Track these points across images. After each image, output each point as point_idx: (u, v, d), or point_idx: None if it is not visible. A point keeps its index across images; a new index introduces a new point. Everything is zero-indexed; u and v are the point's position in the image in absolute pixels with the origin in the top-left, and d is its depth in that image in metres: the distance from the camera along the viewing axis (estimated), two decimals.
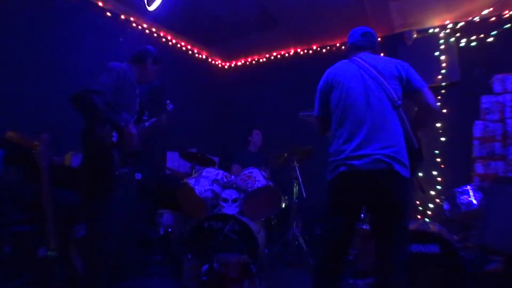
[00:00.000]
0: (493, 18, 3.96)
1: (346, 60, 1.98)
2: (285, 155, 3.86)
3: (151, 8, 3.79)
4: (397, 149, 1.69)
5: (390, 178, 1.65)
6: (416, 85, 1.81)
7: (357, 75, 1.85)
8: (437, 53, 4.17)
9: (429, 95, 1.80)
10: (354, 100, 1.79)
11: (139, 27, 4.41)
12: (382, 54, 1.96)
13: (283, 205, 3.79)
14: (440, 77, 4.12)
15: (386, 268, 1.69)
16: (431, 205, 4.05)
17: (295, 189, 3.79)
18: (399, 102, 1.78)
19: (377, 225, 1.76)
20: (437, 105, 1.82)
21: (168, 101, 2.78)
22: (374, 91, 1.78)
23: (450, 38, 4.16)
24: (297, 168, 3.78)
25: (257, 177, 3.22)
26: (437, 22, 4.25)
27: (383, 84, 1.78)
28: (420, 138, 1.91)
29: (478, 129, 3.62)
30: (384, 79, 1.79)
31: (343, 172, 1.71)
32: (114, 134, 2.06)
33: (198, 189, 3.05)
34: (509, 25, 3.86)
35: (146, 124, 2.51)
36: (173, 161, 4.40)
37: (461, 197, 2.80)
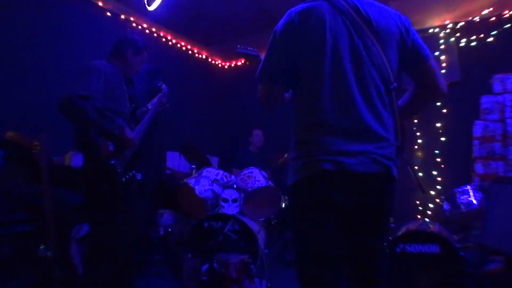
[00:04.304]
0: (493, 18, 3.96)
1: (323, 1, 1.25)
2: (285, 155, 3.85)
3: (151, 8, 3.79)
4: (393, 148, 1.25)
5: (386, 183, 1.23)
6: (425, 52, 1.30)
7: (343, 31, 1.21)
8: (437, 53, 4.17)
9: (437, 67, 1.33)
10: (342, 73, 1.19)
11: (139, 27, 4.41)
12: None
13: (283, 205, 3.79)
14: None
15: None
16: (431, 205, 4.05)
17: None
18: (395, 84, 1.25)
19: (357, 244, 1.25)
20: (445, 82, 1.36)
21: (160, 83, 2.59)
22: (366, 63, 1.20)
23: (450, 38, 4.16)
24: None
25: (257, 177, 3.22)
26: (437, 22, 4.24)
27: (379, 54, 1.21)
28: (406, 128, 1.50)
29: (478, 129, 3.62)
30: (381, 45, 1.22)
31: (328, 171, 1.15)
32: (109, 143, 1.98)
33: (198, 189, 3.05)
34: (509, 25, 3.86)
35: (149, 106, 2.43)
36: (173, 161, 4.40)
37: (461, 197, 2.80)
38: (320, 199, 1.17)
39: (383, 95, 1.23)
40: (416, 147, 4.26)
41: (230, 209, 3.03)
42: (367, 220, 1.23)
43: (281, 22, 1.28)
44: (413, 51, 1.30)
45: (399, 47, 1.27)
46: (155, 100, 2.52)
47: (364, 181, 1.17)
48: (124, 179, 2.09)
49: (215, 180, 3.21)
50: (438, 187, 4.05)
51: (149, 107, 2.45)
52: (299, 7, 1.26)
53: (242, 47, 1.82)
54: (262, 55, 1.43)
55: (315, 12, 1.22)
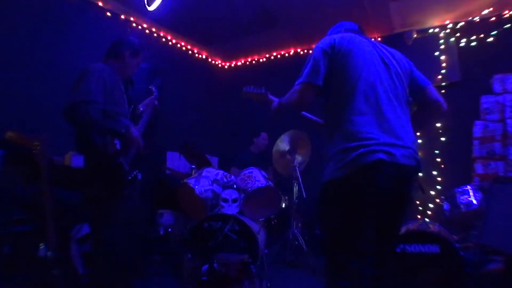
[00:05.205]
0: (493, 18, 3.96)
1: (352, 33, 1.66)
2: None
3: (151, 8, 3.79)
4: (416, 145, 1.54)
5: (415, 175, 1.54)
6: (424, 80, 1.69)
7: (374, 53, 1.57)
8: (437, 53, 4.17)
9: (435, 90, 1.69)
10: (382, 78, 1.51)
11: (139, 27, 4.41)
12: None
13: (283, 205, 3.79)
14: (440, 77, 4.12)
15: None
16: (431, 205, 4.05)
17: (295, 189, 3.79)
18: (410, 98, 1.63)
19: (386, 222, 1.49)
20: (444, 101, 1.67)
21: (151, 86, 2.62)
22: (396, 76, 1.57)
23: (450, 38, 4.16)
24: (297, 168, 3.78)
25: (257, 177, 3.22)
26: (437, 22, 4.25)
27: (401, 74, 1.60)
28: None
29: (478, 129, 3.62)
30: (401, 70, 1.61)
31: (382, 161, 1.34)
32: (116, 142, 2.00)
33: (198, 189, 3.05)
34: (509, 25, 3.86)
35: (141, 108, 2.44)
36: (173, 161, 4.40)
37: (461, 197, 2.79)
38: (374, 187, 1.36)
39: (407, 102, 1.56)
40: None
41: (230, 209, 3.03)
42: (399, 204, 1.48)
43: (323, 41, 1.61)
44: (417, 79, 1.67)
45: (409, 77, 1.65)
46: (146, 101, 2.55)
47: (405, 172, 1.42)
48: (129, 178, 2.11)
49: (215, 180, 3.21)
50: (438, 187, 4.05)
51: (141, 109, 2.48)
52: (338, 35, 1.61)
53: (249, 87, 2.18)
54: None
55: (343, 36, 1.59)
